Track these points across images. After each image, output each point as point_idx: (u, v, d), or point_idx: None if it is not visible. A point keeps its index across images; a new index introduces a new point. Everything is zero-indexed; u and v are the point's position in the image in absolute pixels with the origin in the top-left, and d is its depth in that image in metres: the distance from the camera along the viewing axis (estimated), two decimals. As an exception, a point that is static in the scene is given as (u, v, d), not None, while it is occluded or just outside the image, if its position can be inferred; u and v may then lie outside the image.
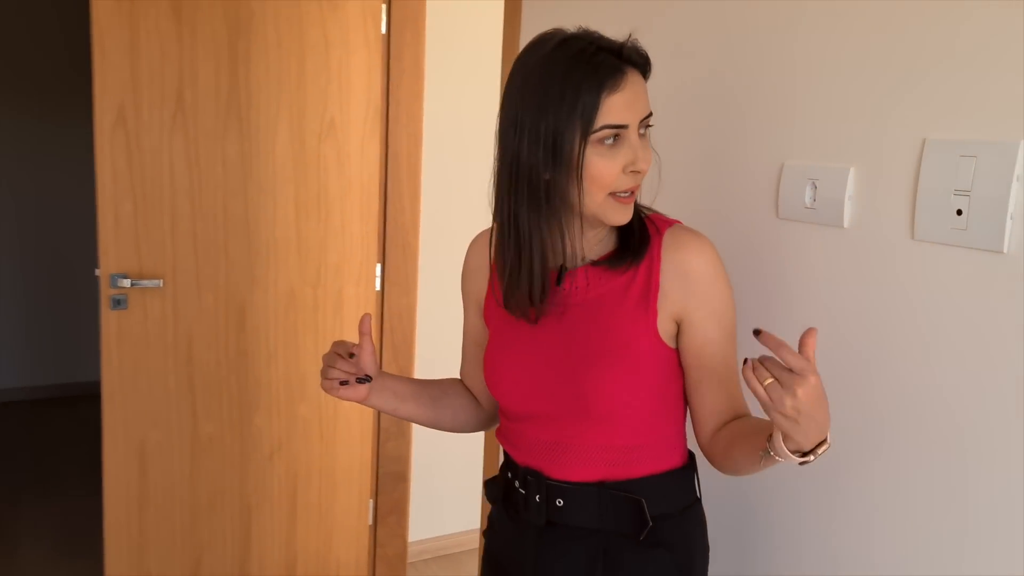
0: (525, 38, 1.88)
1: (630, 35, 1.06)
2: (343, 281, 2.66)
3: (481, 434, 3.25)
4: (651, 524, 1.10)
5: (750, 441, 1.02)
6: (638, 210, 1.13)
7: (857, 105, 1.14)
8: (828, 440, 0.94)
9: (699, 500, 1.21)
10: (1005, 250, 0.99)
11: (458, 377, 1.40)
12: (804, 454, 0.94)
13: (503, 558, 1.25)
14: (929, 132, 1.06)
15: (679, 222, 1.15)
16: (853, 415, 1.14)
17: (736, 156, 1.34)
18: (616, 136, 1.03)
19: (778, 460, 0.96)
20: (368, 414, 2.78)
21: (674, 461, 1.17)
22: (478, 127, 2.96)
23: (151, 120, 2.30)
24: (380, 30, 2.57)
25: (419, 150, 2.74)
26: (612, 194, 1.05)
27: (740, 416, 1.12)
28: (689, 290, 1.08)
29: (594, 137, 1.01)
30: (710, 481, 1.29)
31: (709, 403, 1.12)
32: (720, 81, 1.35)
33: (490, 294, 1.24)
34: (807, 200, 1.21)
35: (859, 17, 1.13)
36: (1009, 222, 0.98)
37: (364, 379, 1.19)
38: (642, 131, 1.06)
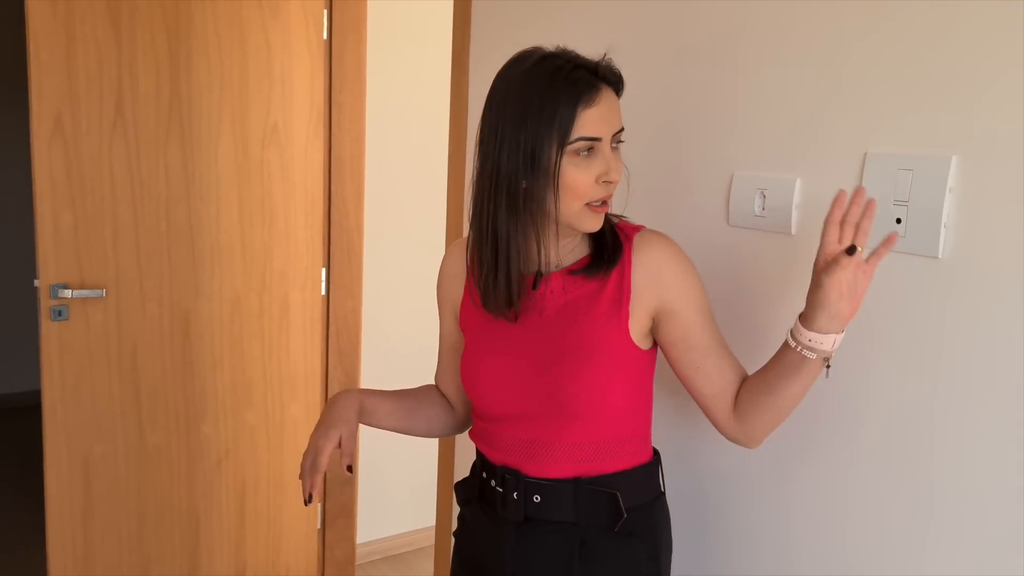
0: (476, 38, 1.92)
1: (605, 54, 1.12)
2: (288, 286, 2.65)
3: (430, 441, 3.28)
4: (625, 515, 1.17)
5: (777, 363, 1.10)
6: (608, 218, 1.19)
7: (803, 119, 1.22)
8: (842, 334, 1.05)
9: (663, 493, 1.28)
10: (940, 256, 1.08)
11: (433, 384, 1.44)
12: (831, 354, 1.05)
13: (478, 556, 1.29)
14: (870, 146, 1.14)
15: (644, 227, 1.21)
16: (806, 410, 1.22)
17: (689, 166, 1.40)
18: (590, 148, 1.08)
19: (812, 353, 1.05)
20: (315, 417, 2.78)
21: (643, 457, 1.23)
22: (421, 130, 3.00)
23: (90, 128, 2.26)
24: (322, 35, 2.58)
25: (362, 153, 2.75)
26: (587, 204, 1.11)
27: (747, 377, 1.18)
28: (663, 285, 1.15)
29: (570, 148, 1.07)
30: (669, 478, 1.36)
31: (717, 378, 1.17)
32: (673, 94, 1.42)
33: (467, 299, 1.28)
34: (756, 208, 1.29)
35: (804, 37, 1.21)
36: (943, 230, 1.07)
37: (350, 469, 1.21)
38: (615, 144, 1.12)
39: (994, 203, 1.02)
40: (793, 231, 1.24)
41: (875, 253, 1.03)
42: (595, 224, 1.13)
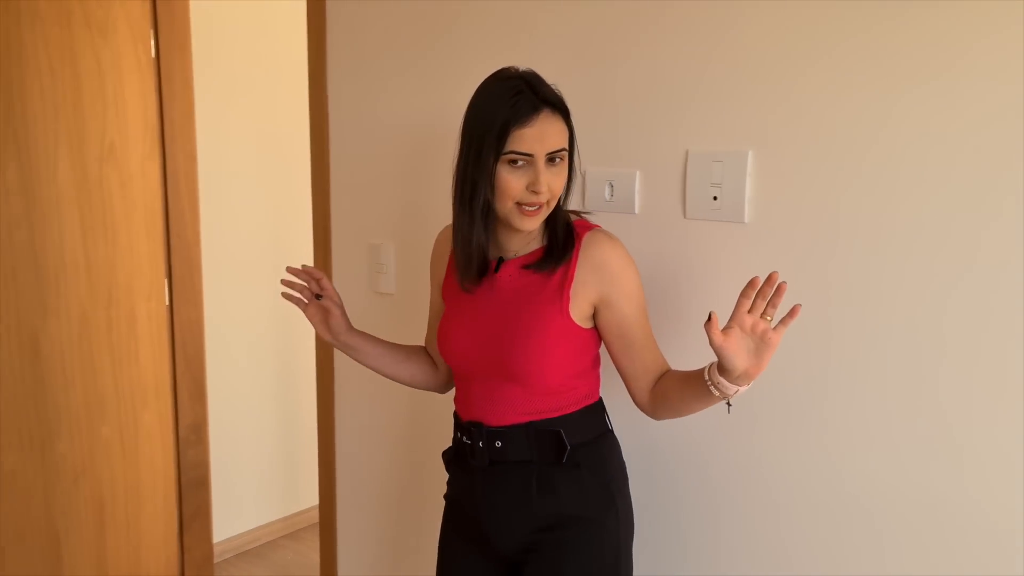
0: (332, 39, 2.12)
1: (554, 84, 1.36)
2: (135, 300, 2.73)
3: (276, 437, 3.45)
4: (569, 448, 1.40)
5: (691, 382, 1.33)
6: (565, 217, 1.42)
7: (639, 124, 1.61)
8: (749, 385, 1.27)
9: (611, 431, 1.51)
10: (746, 221, 1.52)
11: (423, 344, 1.71)
12: (731, 398, 1.28)
13: (461, 499, 1.53)
14: (690, 145, 1.56)
15: (598, 226, 1.43)
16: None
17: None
18: (524, 161, 1.31)
19: (717, 392, 1.27)
20: (167, 425, 2.87)
21: (587, 403, 1.47)
22: (250, 141, 3.16)
23: (-75, 153, 2.24)
24: (150, 55, 2.68)
25: (194, 168, 2.86)
26: (518, 204, 1.33)
27: (666, 371, 1.43)
28: (604, 280, 1.37)
29: (505, 158, 1.30)
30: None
31: (639, 364, 1.41)
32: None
33: (448, 274, 1.52)
34: (607, 196, 1.67)
35: (645, 59, 1.61)
36: (747, 204, 1.51)
37: (318, 296, 1.53)
38: (557, 160, 1.33)
39: (778, 182, 1.47)
40: (636, 211, 1.64)
41: (782, 322, 1.22)
42: (525, 224, 1.34)
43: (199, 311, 2.94)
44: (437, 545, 1.63)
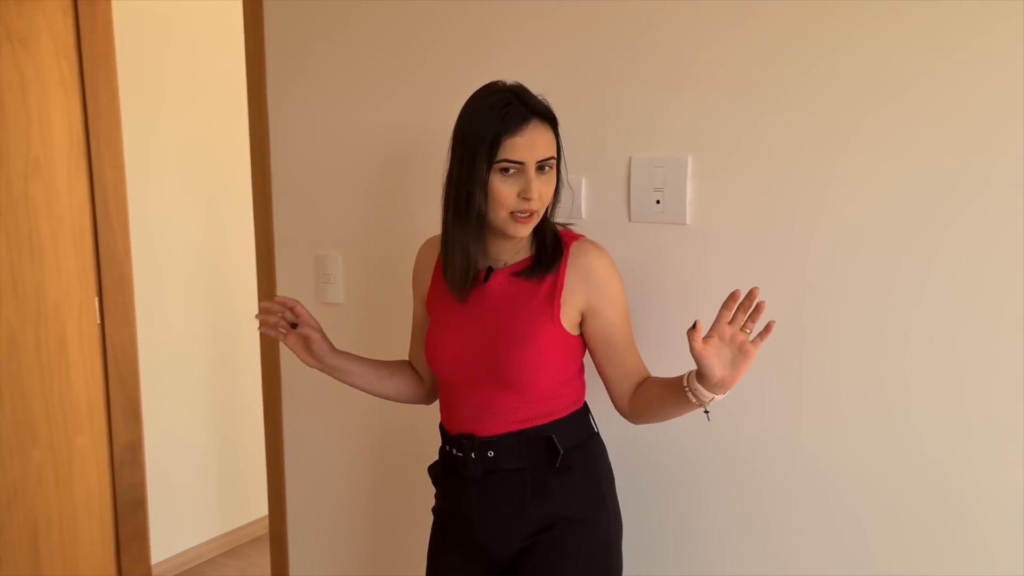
0: (271, 46, 2.12)
1: (541, 94, 1.41)
2: (64, 319, 2.66)
3: (214, 452, 3.41)
4: (561, 452, 1.43)
5: (670, 389, 1.37)
6: (553, 227, 1.46)
7: (585, 132, 1.67)
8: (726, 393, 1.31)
9: (597, 433, 1.54)
10: (687, 223, 1.60)
11: (406, 358, 1.71)
12: (708, 405, 1.32)
13: (454, 511, 1.53)
14: (634, 152, 1.64)
15: (584, 236, 1.48)
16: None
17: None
18: (515, 169, 1.35)
19: (694, 399, 1.32)
20: (101, 447, 2.81)
21: (574, 408, 1.49)
22: (180, 153, 3.12)
23: None
24: (74, 68, 2.62)
25: (123, 182, 2.81)
26: (512, 213, 1.37)
27: (647, 377, 1.47)
28: (591, 287, 1.42)
29: (497, 167, 1.34)
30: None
31: (621, 370, 1.46)
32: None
33: (434, 285, 1.54)
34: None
35: (585, 67, 1.67)
36: (688, 206, 1.59)
37: (294, 325, 1.51)
38: (546, 168, 1.38)
39: (717, 185, 1.56)
40: (583, 216, 1.71)
41: (759, 336, 1.26)
42: (519, 231, 1.38)
43: (132, 329, 2.89)
44: (426, 556, 1.63)
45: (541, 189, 1.38)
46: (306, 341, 1.55)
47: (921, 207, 1.39)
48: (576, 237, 1.48)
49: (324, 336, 1.56)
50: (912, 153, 1.39)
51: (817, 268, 1.49)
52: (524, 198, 1.36)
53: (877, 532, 1.50)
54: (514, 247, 1.47)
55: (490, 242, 1.46)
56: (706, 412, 1.36)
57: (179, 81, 3.13)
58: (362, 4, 1.95)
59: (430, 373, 1.67)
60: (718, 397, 1.32)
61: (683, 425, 1.63)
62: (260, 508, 3.50)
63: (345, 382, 1.63)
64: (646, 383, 1.47)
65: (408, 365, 1.71)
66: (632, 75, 1.62)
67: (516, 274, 1.45)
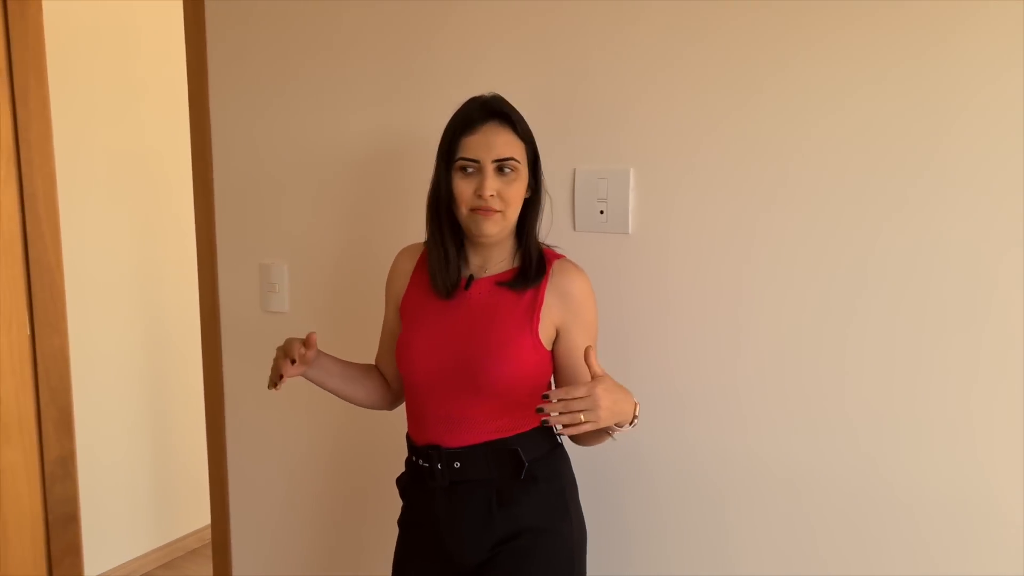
0: (214, 51, 2.11)
1: (489, 94, 1.46)
2: (-7, 330, 2.59)
3: (148, 464, 3.35)
4: (527, 464, 1.46)
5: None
6: (538, 244, 1.49)
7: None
8: (636, 409, 1.37)
9: (561, 445, 1.56)
10: (630, 232, 1.67)
11: (373, 363, 1.71)
12: (620, 427, 1.37)
13: (420, 521, 1.55)
14: (578, 164, 1.70)
15: (565, 256, 1.51)
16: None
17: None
18: (472, 167, 1.41)
19: (616, 434, 1.40)
20: (32, 461, 2.74)
21: (538, 421, 1.42)
22: (113, 161, 3.07)
23: None
24: (3, 76, 2.56)
25: (54, 190, 2.75)
26: (472, 210, 1.41)
27: None
28: (567, 307, 1.46)
29: (456, 165, 1.41)
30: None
31: None
32: (424, 112, 1.85)
33: (410, 290, 1.56)
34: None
35: (529, 80, 1.73)
36: (630, 216, 1.67)
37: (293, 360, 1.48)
38: (506, 170, 1.41)
39: (658, 196, 1.64)
40: (529, 225, 1.76)
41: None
42: (481, 227, 1.41)
43: (64, 339, 2.82)
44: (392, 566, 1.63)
45: (501, 189, 1.41)
46: (303, 362, 1.52)
47: (853, 215, 1.49)
48: (558, 256, 1.52)
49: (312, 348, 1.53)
50: (844, 165, 1.49)
51: (753, 275, 1.57)
52: (478, 195, 1.40)
53: (822, 525, 1.59)
54: (497, 256, 1.50)
55: (469, 250, 1.50)
56: (611, 436, 1.42)
57: (112, 88, 3.08)
58: (307, 9, 1.97)
59: (397, 379, 1.68)
60: (625, 428, 1.37)
61: (636, 431, 1.69)
62: (197, 519, 3.46)
63: (319, 383, 1.60)
64: None
65: (376, 370, 1.70)
66: (577, 89, 1.69)
67: (500, 283, 1.47)
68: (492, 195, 1.40)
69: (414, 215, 1.72)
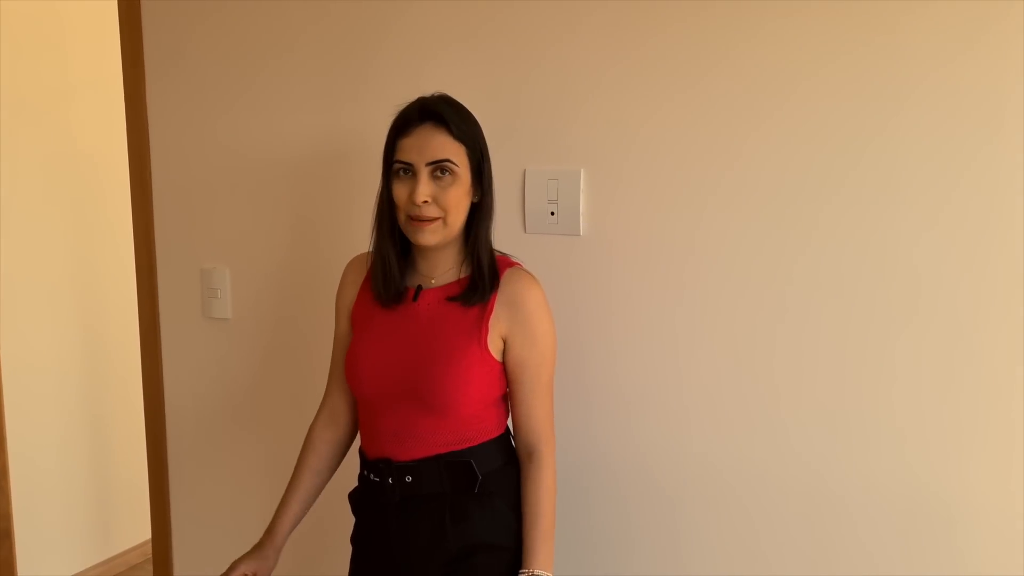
0: (150, 51, 2.03)
1: (434, 94, 1.42)
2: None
3: (85, 479, 3.25)
4: (480, 478, 1.41)
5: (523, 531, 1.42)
6: (490, 251, 1.44)
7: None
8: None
9: (515, 458, 1.49)
10: (581, 234, 1.65)
11: (309, 437, 1.61)
12: None
13: (371, 538, 1.50)
14: (527, 165, 1.68)
15: (520, 264, 1.47)
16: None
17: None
18: (406, 170, 1.37)
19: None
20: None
21: (495, 433, 1.47)
22: (44, 162, 2.96)
23: None
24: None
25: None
26: (410, 218, 1.37)
27: (528, 443, 1.45)
28: (514, 317, 1.41)
29: (393, 168, 1.38)
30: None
31: (516, 413, 1.46)
32: (369, 116, 1.81)
33: (359, 299, 1.51)
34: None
35: (477, 79, 1.70)
36: (581, 218, 1.65)
37: None
38: (439, 173, 1.36)
39: (608, 197, 1.62)
40: (479, 227, 1.73)
41: None
42: (418, 237, 1.37)
43: (-8, 351, 2.72)
44: None
45: (436, 194, 1.36)
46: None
47: (806, 216, 1.49)
48: (512, 264, 1.47)
49: (265, 561, 1.55)
50: (798, 165, 1.49)
51: (705, 276, 1.57)
52: (412, 200, 1.36)
53: (765, 525, 1.59)
54: (444, 264, 1.45)
55: (417, 259, 1.46)
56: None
57: (42, 87, 2.97)
58: (247, 5, 1.91)
59: (348, 406, 1.60)
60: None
61: (586, 433, 1.67)
62: (137, 534, 3.36)
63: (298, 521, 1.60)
64: (525, 500, 1.44)
65: (317, 444, 1.61)
66: (525, 89, 1.66)
67: (451, 298, 1.43)
68: (426, 201, 1.35)
69: (360, 218, 1.68)
